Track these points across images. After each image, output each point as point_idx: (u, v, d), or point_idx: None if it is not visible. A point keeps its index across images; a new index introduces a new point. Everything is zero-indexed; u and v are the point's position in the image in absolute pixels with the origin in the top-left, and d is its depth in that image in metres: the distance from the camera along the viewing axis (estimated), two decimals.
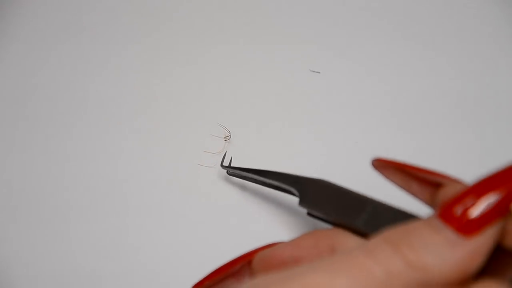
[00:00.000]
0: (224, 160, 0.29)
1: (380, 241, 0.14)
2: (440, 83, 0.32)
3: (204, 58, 0.34)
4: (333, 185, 0.20)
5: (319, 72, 0.33)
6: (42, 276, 0.27)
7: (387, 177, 0.20)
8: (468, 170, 0.29)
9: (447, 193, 0.17)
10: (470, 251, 0.14)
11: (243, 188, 0.29)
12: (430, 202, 0.19)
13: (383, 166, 0.20)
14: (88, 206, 0.29)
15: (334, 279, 0.14)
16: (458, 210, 0.14)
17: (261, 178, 0.25)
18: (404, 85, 0.32)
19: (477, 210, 0.14)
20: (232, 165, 0.28)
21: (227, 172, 0.29)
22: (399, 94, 0.32)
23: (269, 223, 0.28)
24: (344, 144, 0.30)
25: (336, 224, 0.19)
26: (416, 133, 0.30)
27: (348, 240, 0.18)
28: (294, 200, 0.23)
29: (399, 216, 0.17)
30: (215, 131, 0.31)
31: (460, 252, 0.14)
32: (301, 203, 0.21)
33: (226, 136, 0.30)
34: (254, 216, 0.28)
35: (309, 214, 0.21)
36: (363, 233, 0.18)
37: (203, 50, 0.34)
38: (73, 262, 0.27)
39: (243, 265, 0.21)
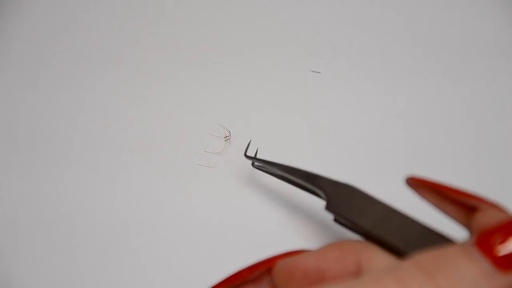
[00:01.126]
0: (248, 150, 0.27)
1: (412, 268, 0.14)
2: (441, 82, 0.32)
3: (204, 58, 0.34)
4: (361, 192, 0.19)
5: (319, 72, 0.33)
6: (41, 282, 0.27)
7: (421, 195, 0.19)
8: (470, 169, 0.29)
9: (483, 219, 0.16)
10: (505, 286, 0.13)
11: (245, 187, 0.29)
12: (465, 224, 0.18)
13: (418, 185, 0.19)
14: (88, 206, 0.29)
15: None
16: (498, 241, 0.13)
17: (286, 175, 0.24)
18: (404, 85, 0.32)
19: None
20: (254, 156, 0.27)
21: (252, 164, 0.27)
22: (400, 94, 0.32)
23: (274, 226, 0.28)
24: (345, 144, 0.30)
25: (363, 234, 0.19)
26: (417, 132, 0.30)
27: (376, 256, 0.17)
28: (311, 203, 0.23)
29: (430, 235, 0.17)
30: (215, 131, 0.31)
31: (494, 286, 0.13)
32: (328, 207, 0.20)
33: (226, 136, 0.30)
34: (257, 218, 0.28)
35: (335, 220, 0.20)
36: (390, 246, 0.17)
37: (204, 51, 0.34)
38: (74, 265, 0.27)
39: (262, 271, 0.20)
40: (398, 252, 0.17)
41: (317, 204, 0.27)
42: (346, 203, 0.19)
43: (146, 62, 0.33)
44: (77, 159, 0.30)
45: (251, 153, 0.27)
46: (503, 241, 0.13)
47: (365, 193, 0.19)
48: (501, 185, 0.29)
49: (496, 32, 0.34)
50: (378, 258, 0.17)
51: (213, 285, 0.21)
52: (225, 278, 0.20)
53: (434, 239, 0.17)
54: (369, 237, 0.18)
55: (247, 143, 0.27)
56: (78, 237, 0.28)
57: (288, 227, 0.28)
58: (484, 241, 0.14)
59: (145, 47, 0.34)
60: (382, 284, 0.13)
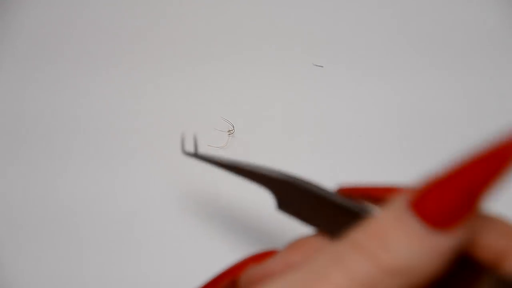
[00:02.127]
0: (186, 144, 0.24)
1: (350, 248, 0.13)
2: (444, 77, 0.32)
3: (207, 52, 0.33)
4: (307, 185, 0.18)
5: (322, 66, 0.33)
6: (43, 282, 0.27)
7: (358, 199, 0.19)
8: None
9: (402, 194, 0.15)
10: (440, 245, 0.13)
11: (246, 184, 0.29)
12: None
13: (348, 194, 0.18)
14: (89, 203, 0.29)
15: None
16: (431, 202, 0.13)
17: (232, 171, 0.21)
18: (407, 79, 0.32)
19: (451, 202, 0.13)
20: (200, 152, 0.23)
21: (195, 158, 0.23)
22: (403, 88, 0.32)
23: (276, 221, 0.28)
24: (348, 138, 0.30)
25: (319, 229, 0.18)
26: (420, 126, 0.31)
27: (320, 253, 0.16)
28: None
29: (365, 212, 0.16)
30: (218, 125, 0.31)
31: (428, 246, 0.12)
32: (279, 208, 0.19)
33: (229, 130, 0.30)
34: (259, 211, 0.28)
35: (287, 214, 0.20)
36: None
37: (207, 45, 0.34)
38: (74, 265, 0.27)
39: (227, 284, 0.19)
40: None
41: None
42: (295, 200, 0.19)
43: (149, 56, 0.33)
44: (78, 155, 0.30)
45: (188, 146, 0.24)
46: (433, 199, 0.13)
47: (312, 186, 0.18)
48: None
49: (498, 27, 0.34)
50: (321, 253, 0.16)
51: None
52: None
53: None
54: (325, 231, 0.18)
55: (181, 138, 0.23)
56: (80, 231, 0.28)
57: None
58: (416, 203, 0.13)
59: (148, 41, 0.34)
60: (324, 275, 0.13)
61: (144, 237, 0.28)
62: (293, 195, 0.19)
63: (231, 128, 0.30)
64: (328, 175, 0.29)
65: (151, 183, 0.29)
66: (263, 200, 0.26)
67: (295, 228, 0.26)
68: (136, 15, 0.35)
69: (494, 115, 0.31)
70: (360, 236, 0.13)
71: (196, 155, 0.22)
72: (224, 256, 0.24)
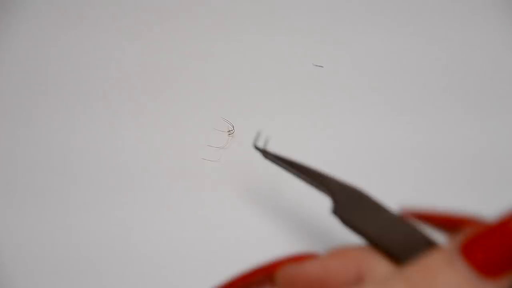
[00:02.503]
0: (259, 141, 0.26)
1: (399, 282, 0.14)
2: (444, 76, 0.32)
3: (207, 52, 0.34)
4: (368, 198, 0.19)
5: (322, 67, 0.33)
6: (43, 272, 0.27)
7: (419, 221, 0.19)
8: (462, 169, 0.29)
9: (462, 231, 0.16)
10: None
11: (248, 181, 0.29)
12: None
13: (411, 216, 0.19)
14: (91, 201, 0.29)
15: None
16: (483, 247, 0.14)
17: (294, 171, 0.23)
18: (407, 79, 0.32)
19: (503, 252, 0.13)
20: (223, 180, 0.26)
21: (263, 155, 0.25)
22: (403, 88, 0.32)
23: (277, 221, 0.28)
24: (348, 138, 0.30)
25: (367, 240, 0.19)
26: (421, 125, 0.31)
27: (376, 266, 0.17)
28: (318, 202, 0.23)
29: (430, 245, 0.17)
30: (218, 125, 0.31)
31: None
32: (334, 211, 0.20)
33: (229, 130, 0.30)
34: (259, 214, 0.28)
35: (341, 223, 0.20)
36: (393, 255, 0.17)
37: (207, 44, 0.34)
38: (77, 257, 0.28)
39: (265, 276, 0.20)
40: (400, 260, 0.17)
41: (324, 203, 0.27)
42: (352, 208, 0.19)
43: (149, 56, 0.33)
44: (80, 153, 0.30)
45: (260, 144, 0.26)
46: (484, 246, 0.13)
47: (372, 198, 0.19)
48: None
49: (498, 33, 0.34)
50: (378, 267, 0.17)
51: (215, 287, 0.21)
52: (227, 281, 0.20)
53: (426, 245, 0.17)
54: (373, 243, 0.18)
55: (257, 134, 0.25)
56: (80, 232, 0.28)
57: (291, 223, 0.28)
58: (468, 247, 0.14)
59: (148, 41, 0.34)
60: None
61: (146, 236, 0.28)
62: (351, 202, 0.19)
63: (231, 128, 0.30)
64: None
65: (152, 182, 0.29)
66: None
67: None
68: (136, 18, 0.35)
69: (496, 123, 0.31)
70: (411, 271, 0.14)
71: (265, 152, 0.24)
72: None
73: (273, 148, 0.30)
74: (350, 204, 0.19)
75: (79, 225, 0.28)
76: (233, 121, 0.31)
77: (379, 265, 0.17)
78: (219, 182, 0.29)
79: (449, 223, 0.18)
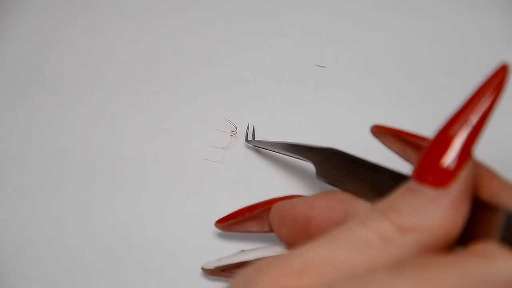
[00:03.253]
0: (248, 133, 0.30)
1: (370, 211, 0.15)
2: (446, 76, 0.32)
3: (210, 52, 0.34)
4: (344, 154, 0.21)
5: (325, 67, 0.33)
6: (44, 272, 0.27)
7: (385, 143, 0.21)
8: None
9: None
10: (452, 200, 0.14)
11: (251, 181, 0.29)
12: None
13: (381, 132, 0.21)
14: (92, 200, 0.29)
15: (334, 251, 0.14)
16: (428, 166, 0.15)
17: (279, 150, 0.26)
18: (411, 80, 0.32)
19: (445, 159, 0.15)
20: (224, 181, 0.29)
21: (254, 145, 0.29)
22: (406, 89, 0.32)
23: None
24: (350, 138, 0.30)
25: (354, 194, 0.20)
26: (424, 126, 0.30)
27: (360, 205, 0.19)
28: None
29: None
30: (221, 125, 0.31)
31: (443, 204, 0.14)
32: (318, 175, 0.22)
33: (232, 131, 0.30)
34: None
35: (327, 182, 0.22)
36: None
37: (209, 45, 0.34)
38: (76, 256, 0.28)
39: (262, 211, 0.23)
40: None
41: None
42: (332, 168, 0.21)
43: (151, 57, 0.33)
44: (82, 154, 0.30)
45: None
46: (433, 163, 0.15)
47: (348, 154, 0.20)
48: None
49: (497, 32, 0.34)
50: (363, 206, 0.19)
51: (219, 219, 0.25)
52: (230, 213, 0.25)
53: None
54: (356, 193, 0.20)
55: (247, 128, 0.30)
56: (81, 231, 0.28)
57: None
58: (419, 171, 0.15)
59: (151, 42, 0.34)
60: (348, 229, 0.15)
61: (147, 237, 0.28)
62: (331, 163, 0.21)
63: (233, 128, 0.30)
64: None
65: (154, 182, 0.29)
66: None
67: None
68: (138, 19, 0.35)
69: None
70: (381, 204, 0.15)
71: (255, 142, 0.29)
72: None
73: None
74: (330, 165, 0.21)
75: (80, 225, 0.28)
76: (235, 121, 0.31)
77: (362, 205, 0.19)
78: (222, 182, 0.29)
79: (418, 143, 0.19)
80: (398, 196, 0.15)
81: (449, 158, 0.15)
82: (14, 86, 0.33)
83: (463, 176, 0.15)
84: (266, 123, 0.31)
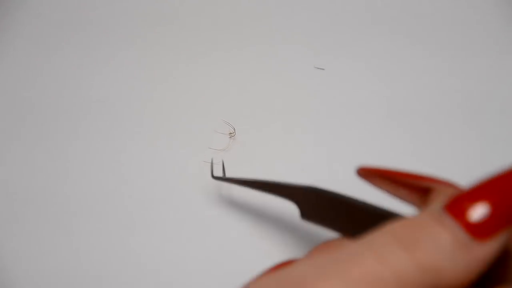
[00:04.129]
0: (215, 169, 0.28)
1: (388, 239, 0.13)
2: (443, 81, 0.32)
3: (209, 55, 0.34)
4: (326, 192, 0.19)
5: (324, 69, 0.33)
6: (43, 277, 0.27)
7: (373, 184, 0.19)
8: (469, 173, 0.29)
9: (440, 196, 0.16)
10: (485, 254, 0.12)
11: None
12: (421, 206, 0.17)
13: (368, 174, 0.18)
14: (91, 205, 0.29)
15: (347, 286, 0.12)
16: (467, 206, 0.13)
17: (257, 187, 0.23)
18: (408, 83, 0.32)
19: (498, 211, 0.13)
20: (225, 168, 0.27)
21: (225, 181, 0.27)
22: (404, 92, 0.32)
23: (278, 224, 0.28)
24: (349, 140, 0.30)
25: (340, 232, 0.19)
26: (420, 131, 0.30)
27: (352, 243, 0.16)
28: None
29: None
30: (219, 127, 0.31)
31: (475, 256, 0.12)
32: (302, 217, 0.20)
33: (231, 133, 0.30)
34: (261, 215, 0.28)
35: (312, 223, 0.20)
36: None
37: (208, 47, 0.34)
38: (76, 263, 0.27)
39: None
40: None
41: None
42: (316, 208, 0.19)
43: (151, 59, 0.33)
44: (81, 157, 0.30)
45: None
46: (472, 205, 0.13)
47: (330, 192, 0.19)
48: None
49: (499, 32, 0.33)
50: (353, 243, 0.16)
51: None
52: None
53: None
54: (345, 233, 0.18)
55: (211, 163, 0.28)
56: (81, 237, 0.28)
57: (292, 224, 0.28)
58: (454, 206, 0.13)
59: (149, 44, 0.34)
60: (359, 261, 0.13)
61: (145, 238, 0.28)
62: (315, 203, 0.19)
63: (232, 130, 0.30)
64: (329, 177, 0.29)
65: (153, 184, 0.29)
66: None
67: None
68: (138, 19, 0.35)
69: (496, 123, 0.31)
70: (397, 227, 0.13)
71: (224, 178, 0.26)
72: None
73: (275, 148, 0.30)
74: (313, 205, 0.19)
75: (79, 230, 0.28)
76: (234, 123, 0.31)
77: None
78: (220, 184, 0.29)
79: (410, 183, 0.17)
80: (424, 225, 0.13)
81: (493, 212, 0.13)
82: (14, 87, 0.33)
83: (502, 237, 0.13)
84: (264, 125, 0.31)
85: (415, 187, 0.17)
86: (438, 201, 0.14)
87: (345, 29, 0.34)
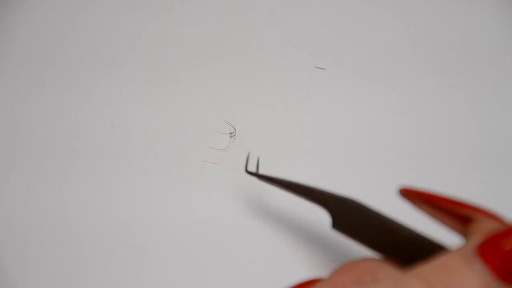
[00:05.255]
0: (249, 163, 0.26)
1: (416, 281, 0.13)
2: (444, 80, 0.32)
3: (209, 55, 0.34)
4: (364, 207, 0.19)
5: (324, 68, 0.33)
6: (43, 272, 0.27)
7: (415, 205, 0.18)
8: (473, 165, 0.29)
9: (480, 229, 0.16)
10: None
11: (249, 184, 0.29)
12: (463, 233, 0.17)
13: (411, 196, 0.18)
14: (92, 202, 0.29)
15: None
16: (503, 248, 0.13)
17: (289, 190, 0.23)
18: (409, 81, 0.32)
19: None
20: (224, 183, 0.26)
21: (258, 178, 0.25)
22: (404, 90, 0.32)
23: (277, 226, 0.28)
24: (350, 140, 0.30)
25: (370, 248, 0.18)
26: (421, 128, 0.30)
27: (390, 272, 0.16)
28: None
29: (430, 245, 0.17)
30: (220, 127, 0.31)
31: None
32: (334, 226, 0.20)
33: (231, 133, 0.30)
34: (260, 215, 0.28)
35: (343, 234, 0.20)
36: (397, 259, 0.17)
37: (209, 47, 0.34)
38: (78, 258, 0.27)
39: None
40: (404, 264, 0.17)
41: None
42: (350, 220, 0.19)
43: (150, 59, 0.33)
44: (80, 157, 0.30)
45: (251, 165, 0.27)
46: (505, 247, 0.13)
47: (367, 207, 0.19)
48: (504, 188, 0.28)
49: (498, 33, 0.33)
50: (392, 273, 0.16)
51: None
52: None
53: (434, 248, 0.16)
54: (377, 251, 0.18)
55: (247, 157, 0.26)
56: (82, 236, 0.28)
57: (292, 226, 0.28)
58: (487, 247, 0.13)
59: (149, 44, 0.34)
60: None
61: (147, 238, 0.28)
62: (349, 215, 0.19)
63: (232, 130, 0.30)
64: (329, 177, 0.29)
65: (153, 184, 0.29)
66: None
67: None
68: (137, 20, 0.35)
69: (496, 123, 0.31)
70: (427, 270, 0.13)
71: (258, 175, 0.24)
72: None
73: (276, 147, 0.30)
74: (347, 216, 0.19)
75: (80, 226, 0.28)
76: (234, 123, 0.30)
77: (393, 272, 0.16)
78: (220, 184, 0.29)
79: (452, 210, 0.17)
80: (451, 267, 0.13)
81: None
82: (15, 85, 0.33)
83: None
84: (265, 124, 0.31)
85: (457, 214, 0.17)
86: (474, 238, 0.14)
87: (345, 28, 0.34)
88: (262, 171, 0.26)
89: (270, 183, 0.24)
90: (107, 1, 0.36)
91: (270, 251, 0.27)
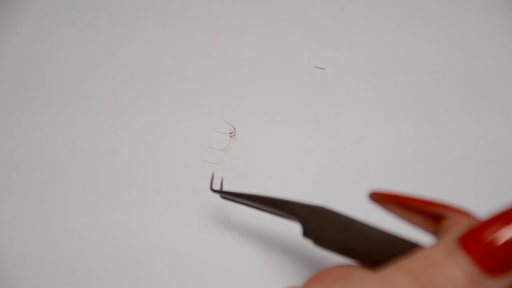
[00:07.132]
0: (214, 182, 0.27)
1: (403, 277, 0.13)
2: (445, 77, 0.32)
3: (209, 54, 0.34)
4: (334, 213, 0.19)
5: (324, 68, 0.33)
6: (43, 275, 0.27)
7: (386, 209, 0.18)
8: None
9: (453, 226, 0.16)
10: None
11: (249, 184, 0.29)
12: (434, 233, 0.17)
13: (381, 199, 0.18)
14: (92, 203, 0.29)
15: None
16: (484, 241, 0.13)
17: (257, 205, 0.23)
18: (409, 81, 0.32)
19: (505, 242, 0.13)
20: (224, 184, 0.26)
21: (220, 196, 0.25)
22: (404, 90, 0.32)
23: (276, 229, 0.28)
24: (349, 140, 0.30)
25: (343, 254, 0.18)
26: (422, 127, 0.30)
27: (364, 276, 0.16)
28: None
29: (404, 245, 0.17)
30: (220, 127, 0.31)
31: (478, 285, 0.13)
32: (305, 234, 0.20)
33: (231, 132, 0.30)
34: (260, 215, 0.28)
35: (315, 244, 0.20)
36: (371, 261, 0.17)
37: (208, 46, 0.34)
38: (78, 260, 0.27)
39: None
40: (379, 264, 0.17)
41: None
42: (321, 227, 0.19)
43: (150, 59, 0.33)
44: (81, 155, 0.30)
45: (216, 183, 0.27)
46: (486, 240, 0.13)
47: (338, 213, 0.19)
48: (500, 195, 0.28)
49: (498, 32, 0.33)
50: (365, 276, 0.16)
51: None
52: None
53: (408, 248, 0.16)
54: (351, 257, 0.18)
55: (211, 176, 0.26)
56: (80, 235, 0.28)
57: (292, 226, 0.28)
58: (468, 240, 0.13)
59: (148, 44, 0.34)
60: None
61: (147, 239, 0.28)
62: (321, 223, 0.19)
63: (232, 130, 0.30)
64: (328, 177, 0.29)
65: (153, 185, 0.29)
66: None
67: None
68: (135, 20, 0.35)
69: (496, 118, 0.31)
70: (412, 263, 0.13)
71: (223, 192, 0.25)
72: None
73: (276, 147, 0.30)
74: (317, 224, 0.19)
75: (79, 228, 0.28)
76: (234, 123, 0.31)
77: (367, 275, 0.16)
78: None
79: (423, 209, 0.17)
80: (434, 259, 0.13)
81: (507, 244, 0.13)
82: (14, 87, 0.33)
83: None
84: (265, 124, 0.31)
85: (428, 213, 0.17)
86: (452, 231, 0.14)
87: (345, 28, 0.34)
88: (262, 171, 0.26)
89: (236, 201, 0.24)
90: (107, 3, 0.36)
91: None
